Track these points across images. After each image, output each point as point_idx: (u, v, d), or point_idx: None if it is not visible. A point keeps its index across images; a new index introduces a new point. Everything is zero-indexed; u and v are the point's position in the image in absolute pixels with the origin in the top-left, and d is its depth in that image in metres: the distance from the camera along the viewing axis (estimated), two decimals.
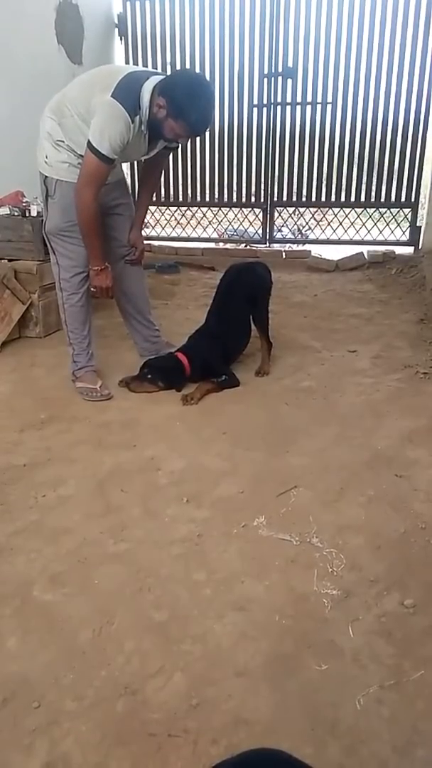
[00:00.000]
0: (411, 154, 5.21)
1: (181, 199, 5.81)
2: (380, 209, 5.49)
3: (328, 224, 5.68)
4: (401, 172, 5.28)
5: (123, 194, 2.74)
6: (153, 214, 5.90)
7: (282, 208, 5.76)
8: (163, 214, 6.03)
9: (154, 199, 4.91)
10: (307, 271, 5.19)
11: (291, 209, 5.77)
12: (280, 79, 5.28)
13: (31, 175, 2.61)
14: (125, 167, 3.98)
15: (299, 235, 5.87)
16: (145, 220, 3.64)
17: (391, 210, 5.45)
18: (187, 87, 2.25)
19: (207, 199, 5.77)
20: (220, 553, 1.68)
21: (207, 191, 5.73)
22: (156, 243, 5.70)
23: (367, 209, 5.60)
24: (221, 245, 5.88)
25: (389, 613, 1.46)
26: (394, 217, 5.48)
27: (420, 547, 1.69)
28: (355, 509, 1.87)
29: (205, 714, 1.21)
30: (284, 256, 5.43)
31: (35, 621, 1.44)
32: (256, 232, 5.83)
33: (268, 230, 5.75)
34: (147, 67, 5.29)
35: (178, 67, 5.38)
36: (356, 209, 5.58)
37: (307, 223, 5.82)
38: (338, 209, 5.56)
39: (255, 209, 5.74)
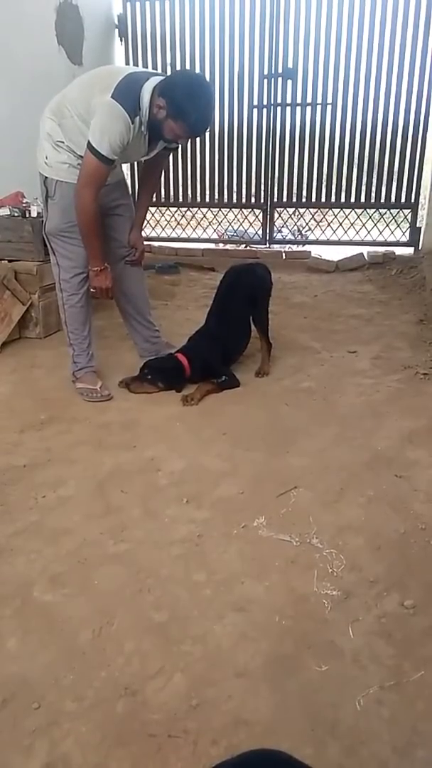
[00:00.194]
0: (411, 155, 5.21)
1: (181, 199, 5.81)
2: (380, 210, 5.49)
3: (328, 225, 5.68)
4: (401, 172, 5.29)
5: (123, 195, 2.74)
6: (153, 214, 5.90)
7: (282, 209, 5.76)
8: (163, 215, 6.03)
9: (154, 199, 4.91)
10: (307, 272, 5.19)
11: (291, 210, 5.77)
12: (280, 79, 5.28)
13: (31, 176, 2.61)
14: (125, 168, 3.99)
15: (299, 236, 5.87)
16: (145, 221, 3.64)
17: (391, 211, 5.45)
18: (187, 88, 2.25)
19: (207, 199, 5.77)
20: (220, 553, 1.68)
21: (207, 192, 5.73)
22: (156, 244, 5.70)
23: (367, 210, 5.60)
24: (221, 246, 5.88)
25: (389, 613, 1.46)
26: (394, 217, 5.49)
27: (420, 547, 1.69)
28: (355, 510, 1.87)
29: (205, 715, 1.21)
30: (284, 257, 5.44)
31: (35, 622, 1.44)
32: (256, 232, 5.83)
33: (268, 231, 5.75)
34: (147, 67, 5.29)
35: (178, 68, 5.39)
36: (356, 210, 5.58)
37: (307, 224, 5.83)
38: (338, 210, 5.56)
39: (255, 210, 5.74)
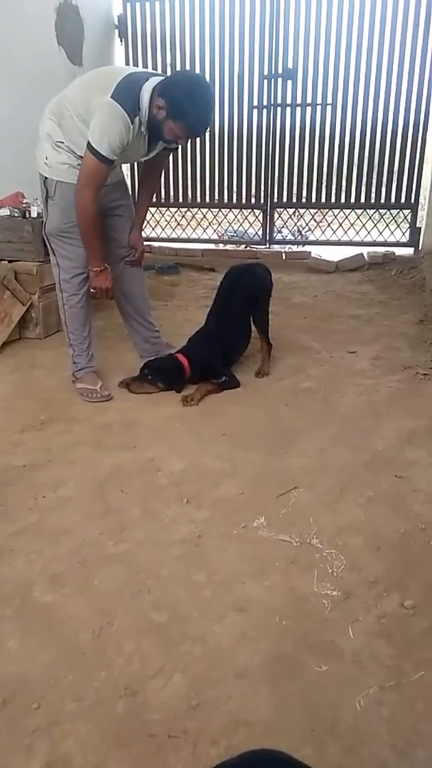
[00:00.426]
0: (411, 155, 5.21)
1: (181, 200, 5.81)
2: (380, 210, 5.49)
3: (328, 225, 5.68)
4: (401, 173, 5.28)
5: (123, 195, 2.74)
6: (153, 215, 5.90)
7: (282, 209, 5.76)
8: (163, 215, 6.03)
9: (154, 200, 4.91)
10: (307, 272, 5.19)
11: (291, 210, 5.77)
12: (280, 80, 5.28)
13: (31, 176, 2.61)
14: (125, 168, 3.99)
15: (299, 236, 5.87)
16: (145, 221, 3.64)
17: (391, 211, 5.45)
18: (187, 88, 2.25)
19: (207, 200, 5.77)
20: (220, 554, 1.68)
21: (207, 192, 5.73)
22: (156, 244, 5.70)
23: (367, 210, 5.59)
24: (221, 246, 5.89)
25: (389, 614, 1.46)
26: (394, 218, 5.48)
27: (420, 548, 1.69)
28: (355, 510, 1.87)
29: (205, 715, 1.21)
30: (284, 257, 5.44)
31: (35, 622, 1.45)
32: (256, 233, 5.83)
33: (268, 231, 5.75)
34: (147, 68, 5.29)
35: (178, 68, 5.39)
36: (356, 210, 5.58)
37: (307, 224, 5.83)
38: (338, 210, 5.56)
39: (255, 210, 5.74)
